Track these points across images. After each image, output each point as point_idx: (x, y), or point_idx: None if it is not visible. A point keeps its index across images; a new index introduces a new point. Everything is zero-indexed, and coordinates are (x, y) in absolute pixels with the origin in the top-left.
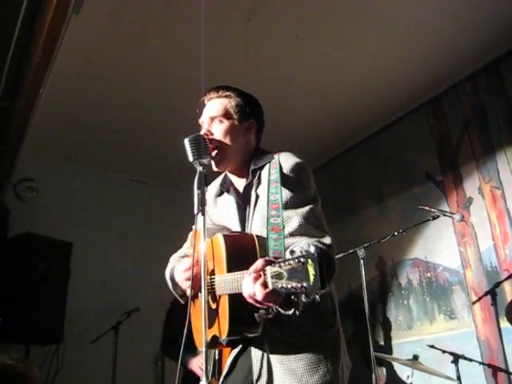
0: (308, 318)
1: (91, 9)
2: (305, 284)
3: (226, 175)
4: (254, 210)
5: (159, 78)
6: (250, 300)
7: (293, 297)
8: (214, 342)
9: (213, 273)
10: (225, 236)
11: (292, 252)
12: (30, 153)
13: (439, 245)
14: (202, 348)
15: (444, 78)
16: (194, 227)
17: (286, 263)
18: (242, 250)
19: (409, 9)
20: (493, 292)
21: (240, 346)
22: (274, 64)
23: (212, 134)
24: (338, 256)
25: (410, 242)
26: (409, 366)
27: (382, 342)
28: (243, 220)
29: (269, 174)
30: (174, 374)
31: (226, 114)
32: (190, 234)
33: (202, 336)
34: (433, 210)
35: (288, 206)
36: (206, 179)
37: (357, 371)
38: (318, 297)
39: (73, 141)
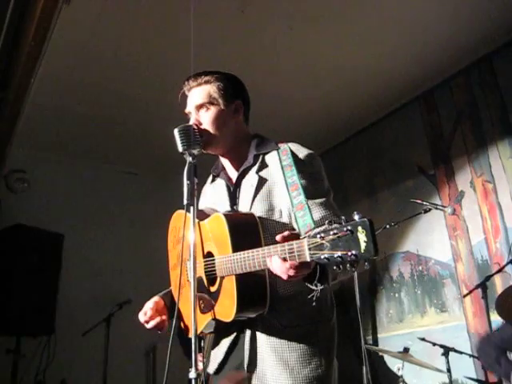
0: (308, 308)
1: None
2: (354, 252)
3: (218, 159)
4: (255, 191)
5: (152, 68)
6: (281, 275)
7: (335, 267)
8: (209, 326)
9: (210, 255)
10: (226, 215)
11: (329, 222)
12: (22, 144)
13: (431, 238)
14: (189, 336)
15: (437, 72)
16: (175, 213)
17: (330, 233)
18: (244, 229)
19: (402, 3)
20: (483, 285)
21: (234, 335)
22: (267, 55)
23: (201, 124)
24: None
25: (401, 235)
26: (399, 358)
27: (373, 335)
28: (233, 202)
29: (280, 160)
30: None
31: (211, 100)
32: (172, 218)
33: (189, 323)
34: (425, 203)
35: (307, 196)
36: (196, 170)
37: (348, 363)
38: (367, 264)
39: (64, 132)
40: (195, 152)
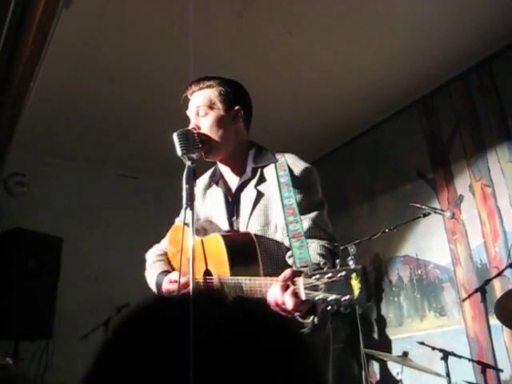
0: None
1: (82, 3)
2: (348, 297)
3: (216, 166)
4: (253, 206)
5: (151, 72)
6: (275, 308)
7: (329, 307)
8: None
9: (208, 273)
10: (223, 236)
11: (324, 263)
12: (21, 148)
13: (430, 242)
14: None
15: (436, 76)
16: (176, 220)
17: (325, 276)
18: (242, 251)
19: (401, 7)
20: (482, 289)
21: None
22: (266, 60)
23: (199, 128)
24: None
25: (400, 239)
26: (398, 362)
27: (376, 339)
28: (231, 215)
29: (277, 175)
30: None
31: (211, 105)
32: (171, 230)
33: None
34: (424, 207)
35: (301, 211)
36: (195, 174)
37: (348, 368)
38: (361, 309)
39: (64, 136)
40: (194, 156)
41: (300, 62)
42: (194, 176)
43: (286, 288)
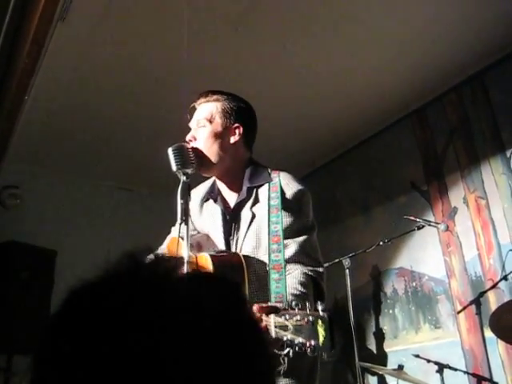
0: None
1: (78, 16)
2: (313, 342)
3: (214, 182)
4: (247, 228)
5: (146, 85)
6: None
7: (297, 349)
8: None
9: None
10: (212, 256)
11: (297, 301)
12: (15, 160)
13: (424, 254)
14: None
15: (429, 88)
16: (172, 229)
17: (294, 318)
18: (229, 273)
19: (395, 20)
20: (477, 301)
21: None
22: (260, 73)
23: (195, 139)
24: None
25: (395, 251)
26: (394, 375)
27: (372, 351)
28: (228, 234)
29: (268, 196)
30: None
31: (210, 119)
32: (168, 239)
33: None
34: (418, 220)
35: (286, 234)
36: (190, 189)
37: (344, 381)
38: (325, 355)
39: (58, 148)
40: (189, 171)
41: (294, 74)
42: (188, 191)
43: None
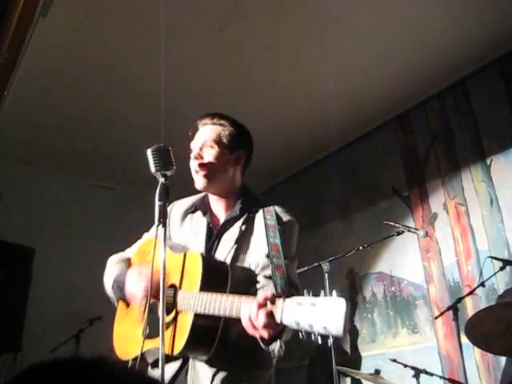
0: (252, 355)
1: (59, 12)
2: (325, 325)
3: (205, 196)
4: (234, 244)
5: (127, 84)
6: (246, 323)
7: (300, 334)
8: (152, 354)
9: (174, 287)
10: (203, 256)
11: (306, 290)
12: None
13: (404, 259)
14: (124, 358)
15: (412, 95)
16: (145, 235)
17: (307, 302)
18: (215, 275)
19: (380, 27)
20: (454, 307)
21: (180, 362)
22: (244, 74)
23: (202, 158)
24: (302, 269)
25: (375, 255)
26: (370, 380)
27: (347, 352)
28: (211, 248)
29: (264, 217)
30: None
31: (218, 142)
32: (141, 241)
33: (130, 345)
34: (397, 225)
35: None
36: (168, 191)
37: None
38: (331, 340)
39: (37, 145)
40: (167, 173)
41: (278, 77)
42: (167, 193)
43: (262, 306)
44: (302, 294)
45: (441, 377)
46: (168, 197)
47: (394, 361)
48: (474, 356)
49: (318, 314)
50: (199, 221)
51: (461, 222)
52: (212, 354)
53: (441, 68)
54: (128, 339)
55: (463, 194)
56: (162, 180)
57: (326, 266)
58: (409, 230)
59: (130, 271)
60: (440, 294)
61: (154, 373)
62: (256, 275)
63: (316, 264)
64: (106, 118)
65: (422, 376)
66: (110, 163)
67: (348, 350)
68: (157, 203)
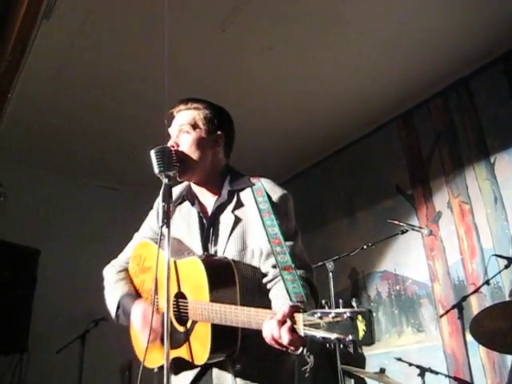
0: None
1: (62, 14)
2: (352, 337)
3: (189, 186)
4: (231, 231)
5: (130, 84)
6: (270, 341)
7: (328, 345)
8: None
9: (181, 295)
10: (203, 260)
11: (326, 303)
12: None
13: (408, 258)
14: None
15: (415, 93)
16: (136, 235)
17: (329, 316)
18: (221, 277)
19: (382, 24)
20: (459, 306)
21: (197, 369)
22: (247, 74)
23: (178, 146)
24: None
25: (379, 254)
26: (375, 379)
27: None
28: (206, 238)
29: (256, 201)
30: None
31: (194, 125)
32: (137, 246)
33: (152, 354)
34: (402, 224)
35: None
36: (171, 192)
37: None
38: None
39: (42, 146)
40: (171, 174)
41: (280, 77)
42: (170, 194)
43: (283, 323)
44: (311, 272)
45: (446, 375)
46: (171, 197)
47: (399, 359)
48: (479, 354)
49: (340, 326)
50: (189, 211)
51: (465, 221)
52: (237, 354)
53: (444, 66)
54: (140, 348)
55: (467, 193)
56: (165, 181)
57: (330, 266)
58: (413, 229)
59: (134, 310)
60: (445, 293)
61: (177, 380)
62: (260, 268)
63: (320, 263)
64: (110, 119)
65: (427, 375)
66: (114, 164)
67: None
68: (160, 204)
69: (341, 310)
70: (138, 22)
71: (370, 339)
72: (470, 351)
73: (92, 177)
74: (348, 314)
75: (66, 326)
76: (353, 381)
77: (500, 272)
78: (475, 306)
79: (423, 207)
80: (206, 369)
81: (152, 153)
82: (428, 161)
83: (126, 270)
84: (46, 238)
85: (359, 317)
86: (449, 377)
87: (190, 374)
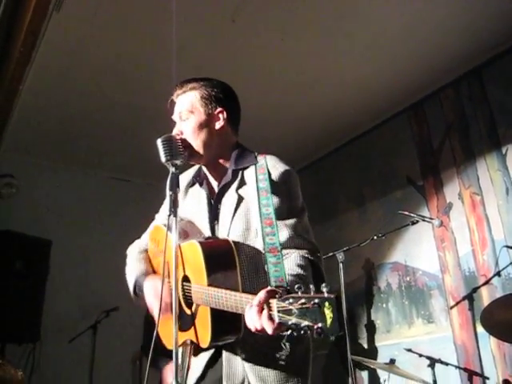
0: None
1: (72, 6)
2: (320, 325)
3: (200, 168)
4: (235, 211)
5: (140, 74)
6: (256, 332)
7: (302, 332)
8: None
9: (186, 279)
10: (201, 243)
11: (299, 284)
12: (10, 149)
13: (419, 249)
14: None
15: (426, 84)
16: (156, 216)
17: (299, 302)
18: (220, 260)
19: (393, 15)
20: (470, 297)
21: (213, 350)
22: (257, 65)
23: (182, 133)
24: None
25: (390, 245)
26: (385, 369)
27: (363, 345)
28: (214, 218)
29: (256, 179)
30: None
31: (192, 109)
32: (151, 226)
33: (169, 337)
34: (412, 215)
35: (277, 217)
36: (179, 180)
37: (336, 374)
38: (333, 337)
39: (54, 137)
40: (178, 162)
41: (291, 68)
42: (177, 183)
43: (261, 311)
44: (317, 248)
45: (456, 366)
46: (179, 186)
47: (410, 350)
48: (489, 345)
49: (310, 313)
50: (198, 193)
51: (476, 212)
52: (241, 333)
53: (455, 56)
54: (167, 334)
55: (478, 184)
56: (172, 169)
57: (340, 256)
58: (424, 220)
59: (146, 284)
60: (455, 284)
61: (196, 361)
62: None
63: (331, 254)
64: (120, 109)
65: (438, 366)
66: (125, 155)
67: (365, 343)
68: (168, 193)
69: (309, 295)
70: (147, 13)
71: (337, 328)
72: (480, 342)
73: (103, 168)
74: (316, 301)
75: (77, 315)
76: (367, 372)
77: (511, 263)
78: (486, 297)
79: (434, 198)
80: (218, 352)
81: (158, 142)
82: (439, 151)
83: (146, 250)
84: (57, 229)
85: (326, 303)
86: (459, 368)
87: (206, 356)
